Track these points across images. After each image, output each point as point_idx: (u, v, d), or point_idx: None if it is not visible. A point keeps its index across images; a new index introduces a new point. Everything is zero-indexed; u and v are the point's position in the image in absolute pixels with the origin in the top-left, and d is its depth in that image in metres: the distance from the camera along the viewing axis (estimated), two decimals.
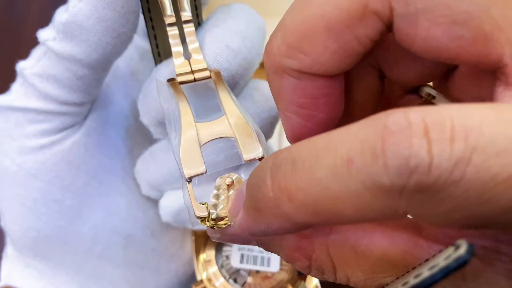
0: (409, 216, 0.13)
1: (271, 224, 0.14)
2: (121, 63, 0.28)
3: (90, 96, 0.24)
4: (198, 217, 0.18)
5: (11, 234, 0.26)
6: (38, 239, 0.25)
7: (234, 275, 0.29)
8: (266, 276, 0.29)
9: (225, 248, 0.30)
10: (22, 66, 0.23)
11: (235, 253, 0.29)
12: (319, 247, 0.16)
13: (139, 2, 0.22)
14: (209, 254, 0.29)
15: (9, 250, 0.28)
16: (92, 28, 0.21)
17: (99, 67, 0.22)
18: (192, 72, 0.21)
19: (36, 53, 0.22)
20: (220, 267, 0.29)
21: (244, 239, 0.17)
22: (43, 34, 0.22)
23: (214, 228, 0.18)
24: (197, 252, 0.29)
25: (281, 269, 0.29)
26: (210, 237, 0.18)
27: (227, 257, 0.29)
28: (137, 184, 0.27)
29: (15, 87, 0.23)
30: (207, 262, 0.29)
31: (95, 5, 0.20)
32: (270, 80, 0.17)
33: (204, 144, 0.19)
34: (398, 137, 0.11)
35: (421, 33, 0.14)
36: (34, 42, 0.23)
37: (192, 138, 0.19)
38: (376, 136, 0.11)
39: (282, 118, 0.18)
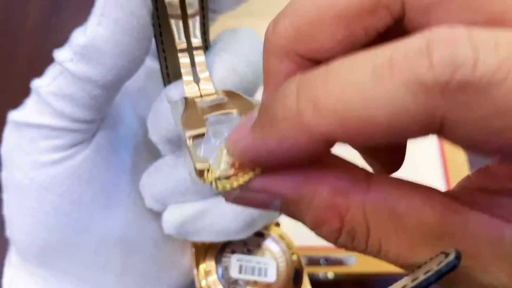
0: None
1: (284, 139, 0.13)
2: (129, 82, 0.29)
3: (100, 114, 0.25)
4: (199, 171, 0.17)
5: (17, 243, 0.26)
6: (45, 248, 0.26)
7: (233, 285, 0.30)
8: (263, 286, 0.30)
9: (224, 260, 0.31)
10: (37, 84, 0.23)
11: (234, 264, 0.30)
12: (356, 205, 0.15)
13: (152, 27, 0.23)
14: (209, 265, 0.30)
15: (13, 258, 0.28)
16: (109, 52, 0.21)
17: (112, 88, 0.23)
18: (201, 96, 0.22)
19: (51, 72, 0.23)
20: (220, 277, 0.30)
21: (262, 201, 0.16)
22: (60, 55, 0.22)
23: (218, 187, 0.17)
24: (197, 264, 0.30)
25: (277, 279, 0.30)
26: (225, 199, 0.17)
27: (226, 268, 0.30)
28: (141, 197, 0.28)
29: (30, 103, 0.24)
30: (207, 272, 0.30)
31: (113, 31, 0.21)
32: (267, 62, 0.17)
33: (207, 116, 0.19)
34: (445, 39, 0.11)
35: (433, 23, 0.14)
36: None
37: (194, 110, 0.19)
38: (421, 40, 0.12)
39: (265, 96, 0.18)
